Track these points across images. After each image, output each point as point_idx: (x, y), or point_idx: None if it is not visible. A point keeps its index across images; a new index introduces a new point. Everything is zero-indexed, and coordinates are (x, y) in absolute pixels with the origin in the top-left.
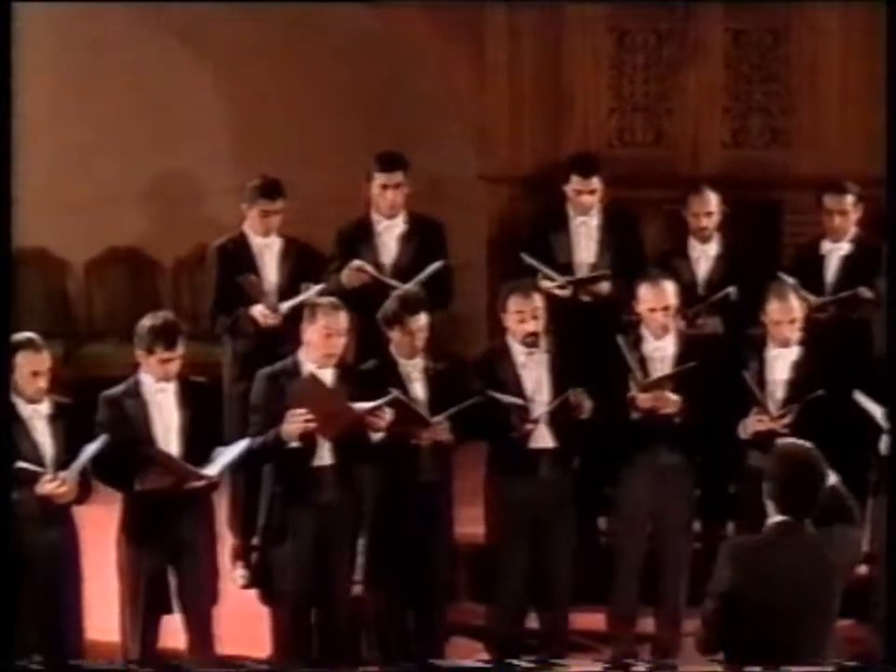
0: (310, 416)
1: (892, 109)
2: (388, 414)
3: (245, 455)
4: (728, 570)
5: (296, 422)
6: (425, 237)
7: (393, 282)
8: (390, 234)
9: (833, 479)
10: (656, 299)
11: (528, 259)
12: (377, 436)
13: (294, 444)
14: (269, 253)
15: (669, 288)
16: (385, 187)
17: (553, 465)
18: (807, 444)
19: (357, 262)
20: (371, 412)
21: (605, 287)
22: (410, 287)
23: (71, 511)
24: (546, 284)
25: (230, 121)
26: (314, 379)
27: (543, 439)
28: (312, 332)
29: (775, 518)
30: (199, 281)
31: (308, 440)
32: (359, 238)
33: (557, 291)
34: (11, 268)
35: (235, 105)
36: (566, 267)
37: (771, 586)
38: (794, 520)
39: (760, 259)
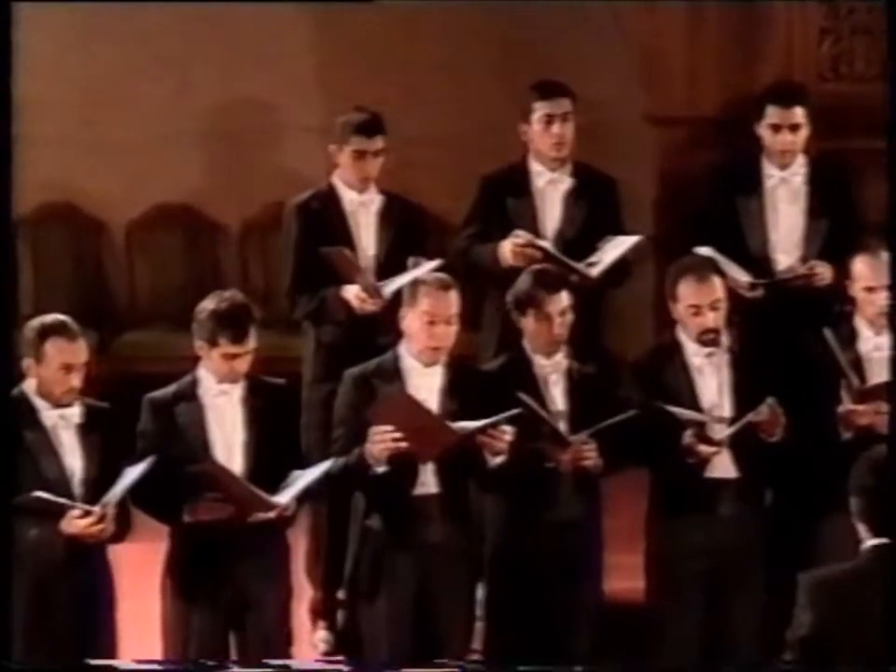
0: (398, 435)
1: (894, 105)
2: (509, 434)
3: (326, 481)
4: (810, 612)
5: (381, 441)
6: (597, 197)
7: (575, 264)
8: (554, 190)
9: None
10: (876, 275)
11: (707, 252)
12: (497, 459)
13: (381, 469)
14: (365, 214)
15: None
16: (550, 118)
17: (738, 500)
18: None
19: (522, 236)
20: (485, 430)
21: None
22: (601, 268)
23: (105, 551)
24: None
25: (313, 43)
26: (401, 392)
27: (724, 467)
28: (412, 319)
29: (869, 542)
30: (273, 250)
31: (401, 463)
32: (511, 193)
33: (746, 293)
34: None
35: (321, 23)
36: (760, 250)
37: (863, 627)
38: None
39: None
